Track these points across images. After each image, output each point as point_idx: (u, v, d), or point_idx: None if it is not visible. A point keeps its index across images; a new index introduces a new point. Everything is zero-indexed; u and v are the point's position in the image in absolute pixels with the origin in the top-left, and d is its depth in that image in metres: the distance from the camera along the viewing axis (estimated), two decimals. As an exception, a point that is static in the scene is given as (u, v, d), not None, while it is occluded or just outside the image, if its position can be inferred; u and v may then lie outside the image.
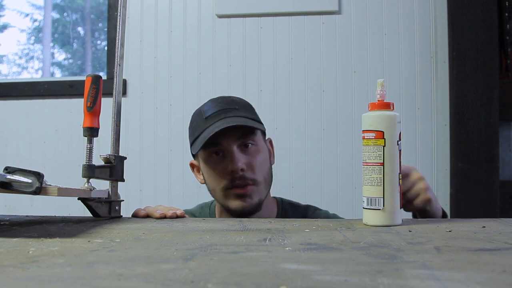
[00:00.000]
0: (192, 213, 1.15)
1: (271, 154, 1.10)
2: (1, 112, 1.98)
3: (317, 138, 1.80)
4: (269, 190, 1.05)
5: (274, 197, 1.13)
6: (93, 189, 0.74)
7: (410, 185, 0.80)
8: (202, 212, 1.15)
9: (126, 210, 0.83)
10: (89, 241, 0.55)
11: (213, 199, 1.13)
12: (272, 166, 1.09)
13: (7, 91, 1.97)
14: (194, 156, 1.10)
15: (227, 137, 0.98)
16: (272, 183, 1.06)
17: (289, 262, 0.43)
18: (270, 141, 1.12)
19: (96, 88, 0.75)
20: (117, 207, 0.81)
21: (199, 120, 1.04)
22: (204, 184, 1.08)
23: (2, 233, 0.62)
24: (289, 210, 1.11)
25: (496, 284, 0.36)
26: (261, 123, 1.06)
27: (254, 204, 0.98)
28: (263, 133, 1.08)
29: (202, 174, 1.07)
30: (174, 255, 0.47)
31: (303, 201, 1.16)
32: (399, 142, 0.68)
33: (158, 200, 1.87)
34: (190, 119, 1.11)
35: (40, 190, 0.58)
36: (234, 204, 0.99)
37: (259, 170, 1.00)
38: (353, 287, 0.35)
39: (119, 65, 0.81)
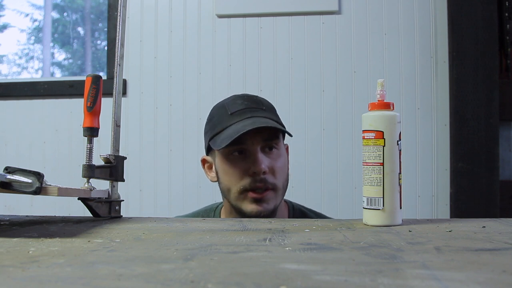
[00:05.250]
0: (197, 216, 1.11)
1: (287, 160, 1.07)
2: (1, 112, 1.98)
3: (317, 138, 1.80)
4: (284, 196, 1.02)
5: (285, 201, 1.09)
6: (93, 189, 0.74)
7: None
8: (206, 216, 1.10)
9: (126, 210, 0.83)
10: (89, 241, 0.55)
11: (218, 202, 1.10)
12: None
13: (7, 91, 1.97)
14: (207, 152, 1.06)
15: (252, 137, 0.95)
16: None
17: (289, 262, 0.43)
18: (287, 147, 1.08)
19: (96, 88, 0.75)
20: (117, 207, 0.81)
21: (223, 115, 1.00)
22: (215, 182, 1.04)
23: (2, 233, 0.62)
24: (299, 217, 1.07)
25: (496, 284, 0.36)
26: (283, 126, 1.03)
27: (269, 210, 0.95)
28: (283, 138, 1.05)
29: (216, 172, 1.02)
30: (174, 255, 0.47)
31: (303, 202, 1.15)
32: (399, 142, 0.68)
33: (158, 200, 1.87)
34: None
35: (40, 190, 0.58)
36: (249, 207, 0.95)
37: (280, 175, 0.98)
38: (353, 287, 0.35)
39: (119, 65, 0.81)
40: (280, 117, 1.05)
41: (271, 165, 0.96)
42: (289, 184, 1.03)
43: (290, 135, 0.99)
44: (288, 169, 1.04)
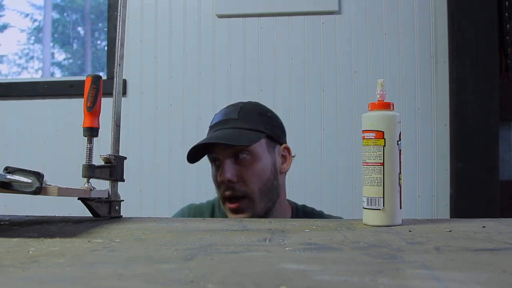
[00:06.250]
0: (213, 204, 1.12)
1: (284, 161, 1.06)
2: (1, 112, 1.98)
3: (317, 138, 1.80)
4: (274, 201, 1.01)
5: (289, 202, 1.11)
6: (93, 189, 0.74)
7: None
8: (219, 206, 1.11)
9: (126, 210, 0.83)
10: (89, 241, 0.55)
11: None
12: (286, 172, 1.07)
13: (7, 91, 1.97)
14: None
15: (219, 147, 0.98)
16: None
17: (289, 262, 0.43)
18: (287, 148, 1.08)
19: (96, 88, 0.75)
20: (117, 207, 0.81)
21: (209, 125, 1.07)
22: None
23: (2, 233, 0.62)
24: (302, 217, 1.08)
25: (496, 284, 0.36)
26: (262, 132, 1.01)
27: (248, 218, 0.96)
28: (274, 141, 1.04)
29: None
30: (174, 255, 0.47)
31: (302, 202, 1.16)
32: (399, 142, 0.68)
33: (158, 200, 1.87)
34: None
35: (40, 190, 0.58)
36: (230, 215, 1.00)
37: (252, 182, 0.97)
38: (353, 287, 0.35)
39: (119, 65, 0.81)
40: (270, 121, 1.05)
41: (239, 174, 0.97)
42: (289, 184, 1.04)
43: (244, 145, 0.97)
44: (277, 171, 1.03)
